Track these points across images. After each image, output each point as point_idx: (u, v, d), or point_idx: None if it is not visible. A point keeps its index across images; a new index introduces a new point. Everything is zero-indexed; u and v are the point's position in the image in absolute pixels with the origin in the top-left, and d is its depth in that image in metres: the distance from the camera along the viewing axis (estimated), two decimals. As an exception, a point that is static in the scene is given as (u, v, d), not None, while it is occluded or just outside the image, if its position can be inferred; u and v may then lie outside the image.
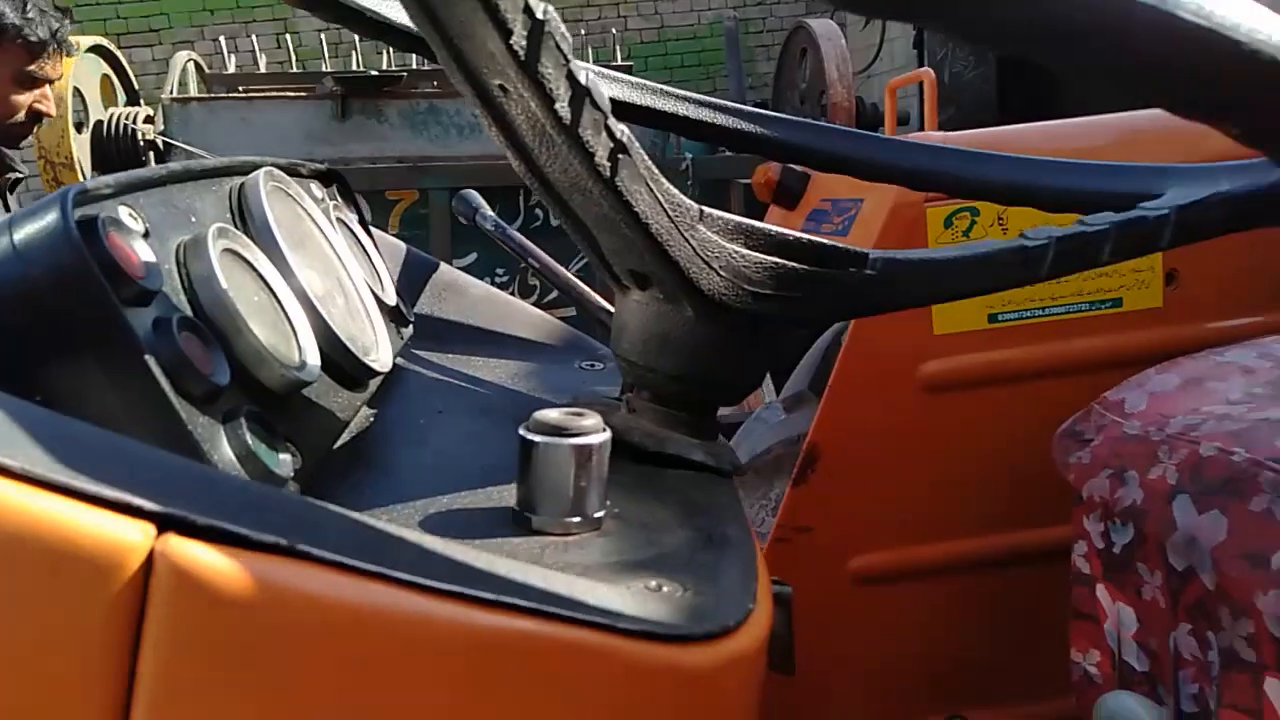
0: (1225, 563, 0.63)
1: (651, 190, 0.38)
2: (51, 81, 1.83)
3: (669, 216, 0.39)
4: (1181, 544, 0.68)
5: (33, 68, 1.75)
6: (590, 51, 5.14)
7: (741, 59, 5.41)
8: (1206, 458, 0.69)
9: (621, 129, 0.35)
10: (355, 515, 0.25)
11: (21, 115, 1.80)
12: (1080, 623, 0.82)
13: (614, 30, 5.62)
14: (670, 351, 0.46)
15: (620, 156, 0.35)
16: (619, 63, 4.29)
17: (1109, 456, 0.79)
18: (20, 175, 1.97)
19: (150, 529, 0.20)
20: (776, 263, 0.43)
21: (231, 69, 4.16)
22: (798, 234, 0.44)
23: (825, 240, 0.45)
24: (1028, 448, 1.01)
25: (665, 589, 0.31)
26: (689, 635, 0.27)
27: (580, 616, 0.25)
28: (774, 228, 0.44)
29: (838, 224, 1.27)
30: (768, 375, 1.22)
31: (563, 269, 0.89)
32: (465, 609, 0.23)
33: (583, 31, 6.07)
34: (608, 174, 0.35)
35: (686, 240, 0.41)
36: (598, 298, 0.91)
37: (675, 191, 0.40)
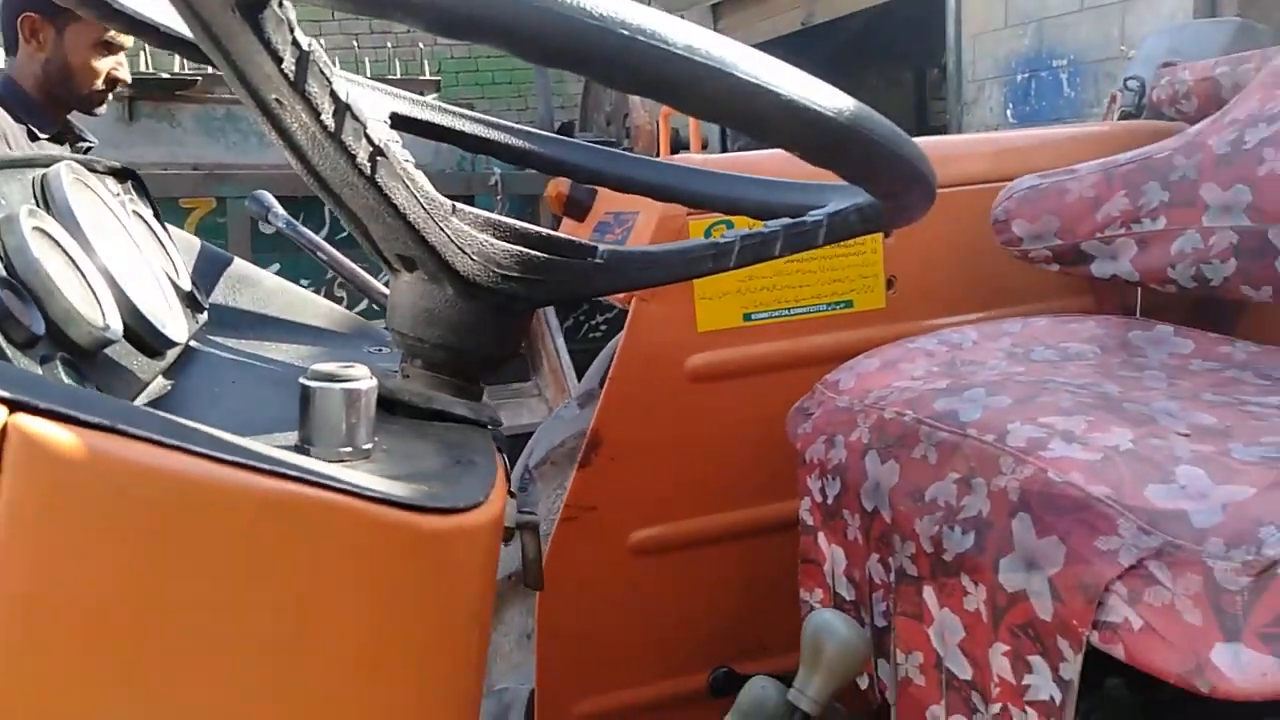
0: (897, 500, 0.80)
1: (408, 186, 0.48)
2: (125, 48, 1.93)
3: (425, 209, 0.49)
4: (870, 489, 0.84)
5: (110, 35, 1.85)
6: (398, 65, 5.12)
7: (551, 80, 5.54)
8: (888, 420, 0.86)
9: (381, 135, 0.45)
10: (163, 414, 0.34)
11: (100, 82, 1.90)
12: (807, 566, 0.98)
13: (421, 45, 5.62)
14: (435, 324, 0.56)
15: (379, 158, 0.45)
16: (427, 77, 4.31)
17: (824, 425, 0.95)
18: (92, 144, 2.02)
19: (3, 409, 0.28)
20: (521, 251, 0.54)
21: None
22: (538, 228, 0.55)
23: (560, 234, 0.56)
24: (778, 429, 1.18)
25: (415, 484, 0.41)
26: (425, 506, 0.37)
27: (341, 485, 0.35)
28: (518, 222, 0.55)
29: (619, 234, 1.40)
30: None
31: (352, 263, 0.96)
32: (249, 475, 0.32)
33: (390, 45, 6.02)
34: (368, 172, 0.45)
35: (441, 229, 0.51)
36: (379, 284, 0.99)
37: (431, 189, 0.50)
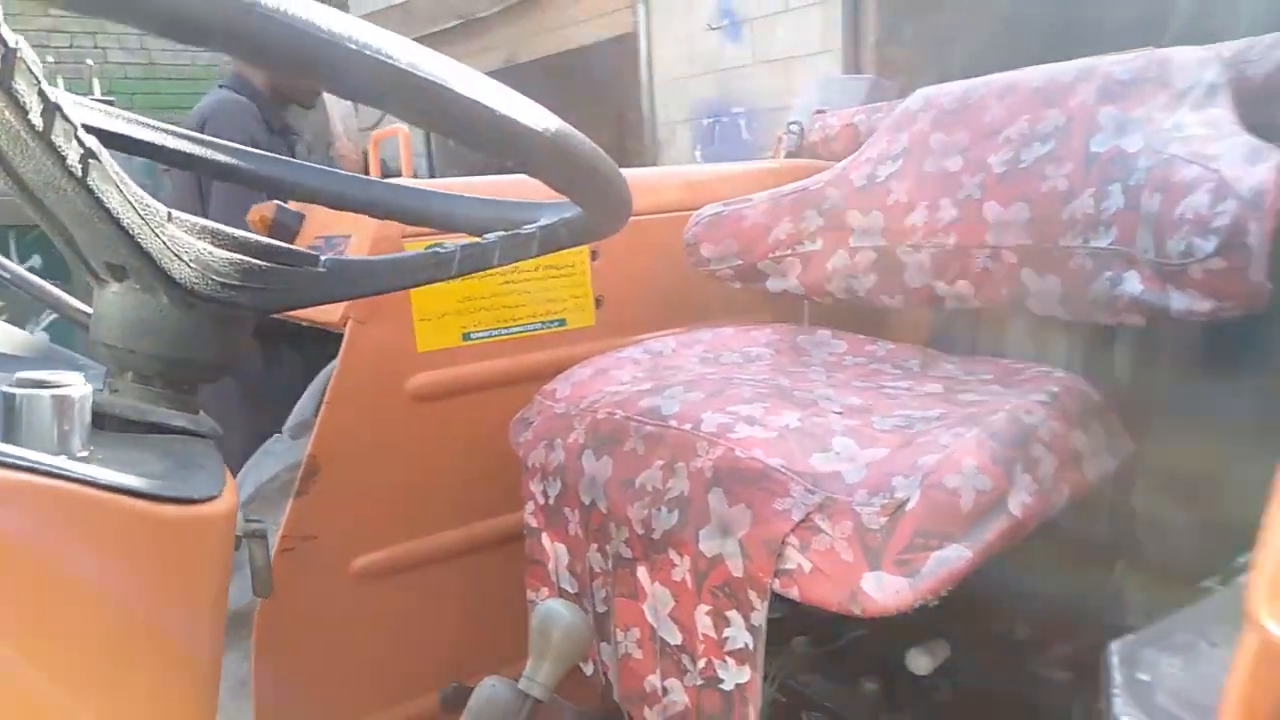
0: (612, 491, 0.88)
1: (122, 191, 0.47)
2: None
3: (139, 214, 0.49)
4: (587, 485, 0.91)
5: None
6: (60, 81, 4.60)
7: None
8: (600, 420, 0.94)
9: (92, 139, 0.45)
10: None
11: None
12: (533, 567, 1.03)
13: (89, 61, 5.09)
14: (149, 334, 0.54)
15: (91, 160, 0.44)
16: (97, 96, 3.92)
17: (544, 431, 1.01)
18: (301, 137, 2.38)
19: None
20: (241, 259, 0.55)
21: None
22: (259, 237, 0.56)
23: (282, 244, 0.58)
24: (501, 443, 1.22)
25: (147, 479, 0.41)
26: (164, 496, 0.38)
27: (76, 476, 0.35)
28: (238, 230, 0.55)
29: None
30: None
31: (35, 277, 0.88)
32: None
33: (51, 59, 5.39)
34: (80, 174, 0.44)
35: (157, 235, 0.50)
36: (75, 301, 0.91)
37: (145, 195, 0.50)
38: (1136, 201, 0.83)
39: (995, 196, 1.02)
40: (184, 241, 0.52)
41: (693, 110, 4.31)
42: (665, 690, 0.82)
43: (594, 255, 1.37)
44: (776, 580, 0.70)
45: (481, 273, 0.88)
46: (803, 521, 0.70)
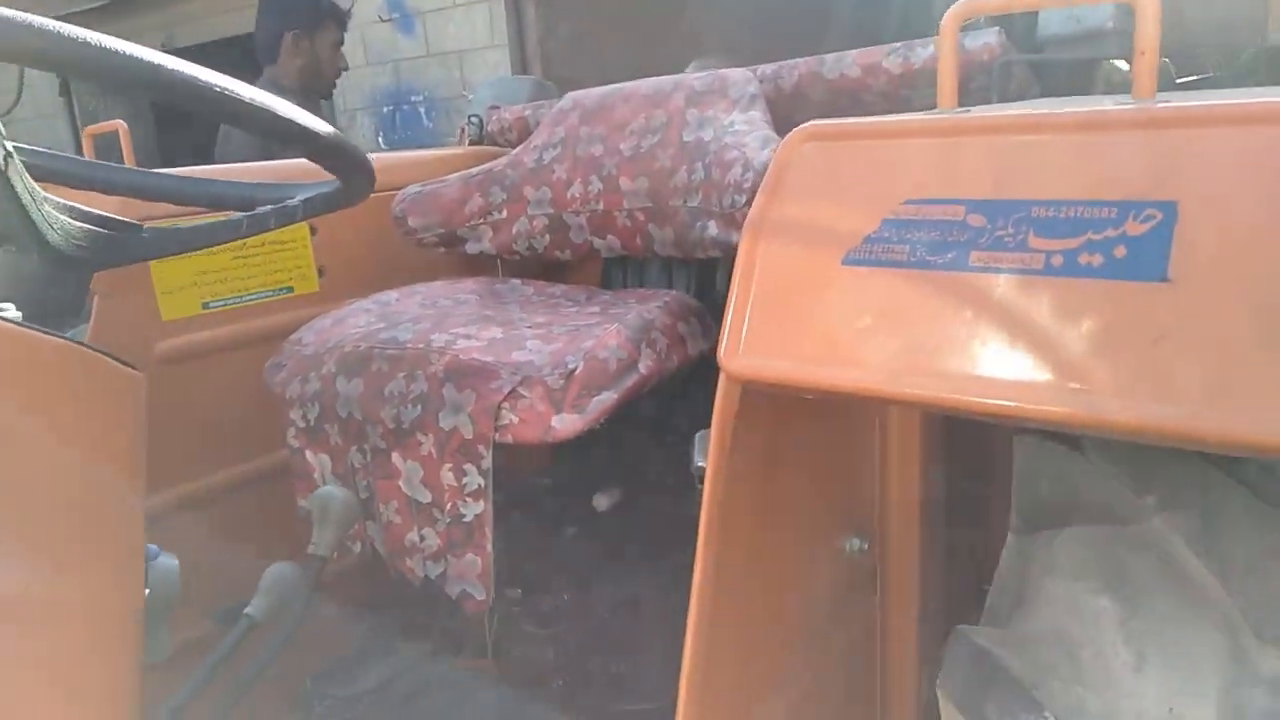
0: (365, 403, 1.16)
1: (22, 179, 0.69)
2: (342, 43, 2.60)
3: (31, 196, 0.70)
4: (343, 402, 1.18)
5: (341, 35, 2.59)
6: None
7: None
8: (348, 352, 1.21)
9: (9, 142, 0.66)
10: None
11: (334, 74, 2.62)
12: (299, 481, 1.28)
13: None
14: (26, 282, 0.76)
15: (9, 159, 0.67)
16: None
17: (296, 370, 1.26)
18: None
19: None
20: (90, 229, 0.77)
21: None
22: (101, 212, 0.79)
23: (116, 215, 0.80)
24: (242, 399, 1.43)
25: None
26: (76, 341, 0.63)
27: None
28: (87, 207, 0.78)
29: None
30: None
31: None
32: None
33: None
34: (2, 168, 0.66)
35: (40, 211, 0.72)
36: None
37: (33, 182, 0.71)
38: (709, 174, 1.26)
39: (626, 173, 1.41)
40: (53, 216, 0.74)
41: (371, 98, 4.46)
42: (422, 537, 1.13)
43: (313, 230, 1.60)
44: (496, 434, 1.03)
45: (216, 248, 1.11)
46: (510, 393, 1.03)
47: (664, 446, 1.37)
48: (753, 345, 0.70)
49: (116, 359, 0.64)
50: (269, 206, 0.93)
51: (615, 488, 1.33)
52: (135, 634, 0.66)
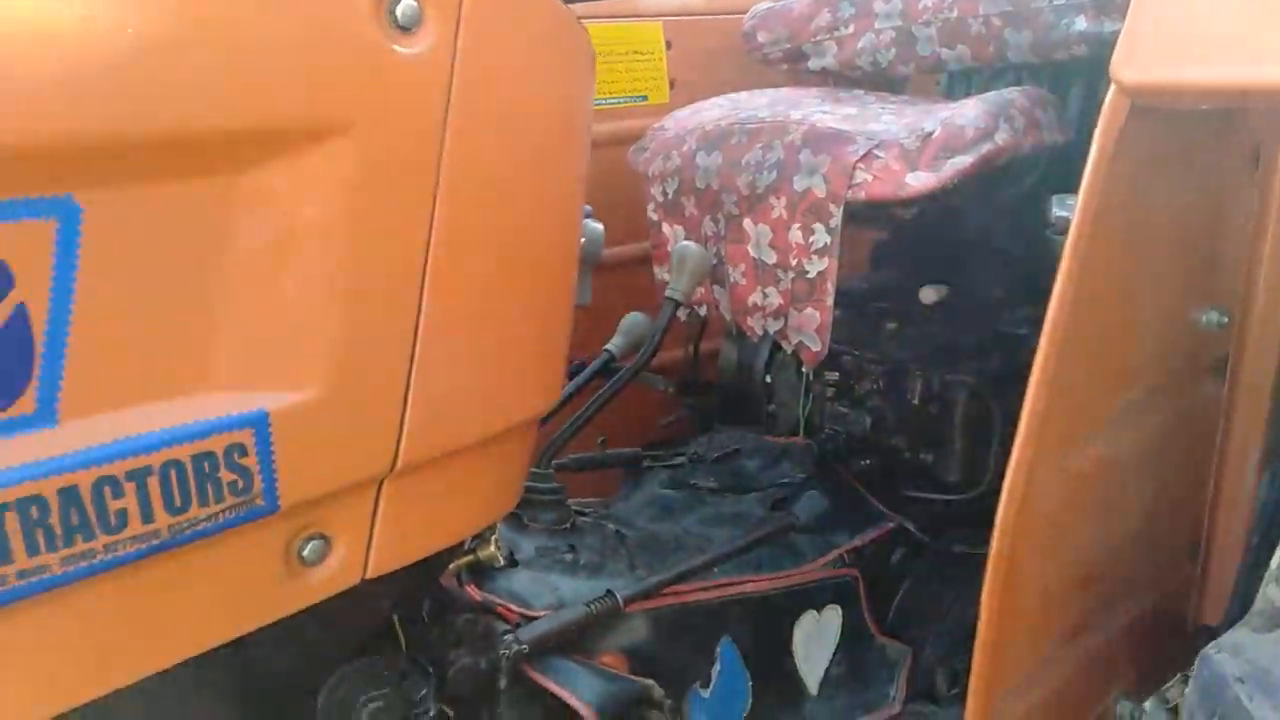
0: (722, 172, 1.28)
1: None
2: None
3: None
4: (701, 174, 1.31)
5: None
6: None
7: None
8: (709, 130, 1.33)
9: None
10: None
11: None
12: (656, 250, 1.44)
13: None
14: None
15: None
16: None
17: (660, 149, 1.41)
18: None
19: None
20: None
21: None
22: None
23: None
24: (590, 195, 1.61)
25: None
26: None
27: None
28: None
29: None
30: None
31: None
32: None
33: None
34: None
35: None
36: None
37: None
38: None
39: (987, -26, 1.40)
40: None
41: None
42: (765, 296, 1.25)
43: (669, 45, 1.74)
44: (849, 192, 1.11)
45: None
46: (866, 154, 1.11)
47: (995, 251, 1.39)
48: (1148, 51, 0.71)
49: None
50: None
51: (943, 284, 1.37)
52: (572, 276, 0.82)
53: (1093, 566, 0.94)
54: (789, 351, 1.24)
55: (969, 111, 1.10)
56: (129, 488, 0.52)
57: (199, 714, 0.67)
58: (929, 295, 1.35)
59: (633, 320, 1.34)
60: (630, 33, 1.73)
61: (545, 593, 1.02)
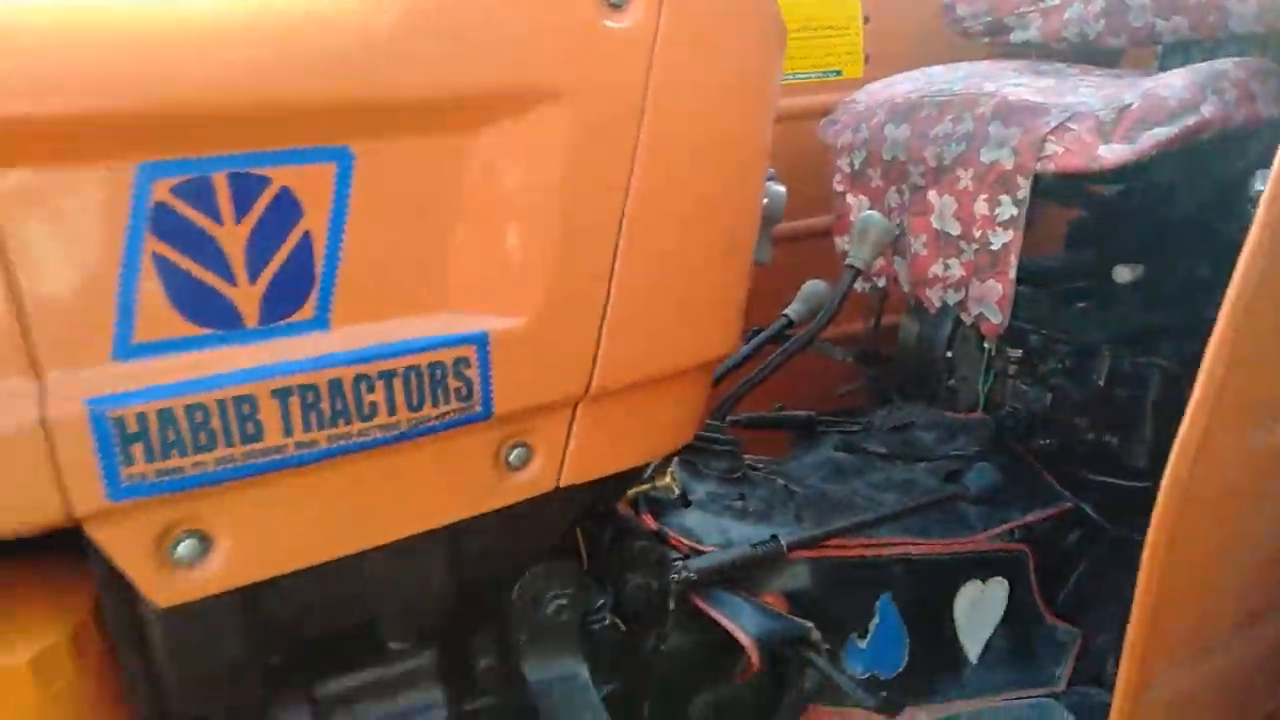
0: (911, 144, 1.30)
1: None
2: None
3: None
4: (889, 145, 1.33)
5: None
6: None
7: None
8: (899, 102, 1.35)
9: None
10: None
11: None
12: (839, 221, 1.48)
13: None
14: None
15: None
16: None
17: (850, 121, 1.44)
18: None
19: None
20: None
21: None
22: None
23: None
24: (791, 167, 1.65)
25: None
26: None
27: None
28: None
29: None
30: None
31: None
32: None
33: None
34: None
35: None
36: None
37: None
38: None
39: (1212, -61, 1.33)
40: None
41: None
42: (946, 267, 1.26)
43: (866, 19, 1.75)
44: (1038, 164, 1.11)
45: None
46: (1058, 125, 1.10)
47: (1200, 231, 1.33)
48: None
49: None
50: None
51: (1138, 265, 1.33)
52: (754, 233, 0.88)
53: (1276, 553, 0.91)
54: (969, 324, 1.25)
55: (1175, 82, 1.07)
56: (379, 385, 0.64)
57: (419, 592, 0.79)
58: (1123, 275, 1.31)
59: (812, 287, 1.38)
60: (827, 7, 1.75)
61: (714, 533, 1.10)
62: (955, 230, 1.24)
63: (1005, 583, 1.25)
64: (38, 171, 0.53)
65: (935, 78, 1.44)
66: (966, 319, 1.25)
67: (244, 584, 0.65)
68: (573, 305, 0.71)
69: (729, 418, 1.31)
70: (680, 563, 1.00)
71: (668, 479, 1.00)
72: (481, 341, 0.67)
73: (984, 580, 1.23)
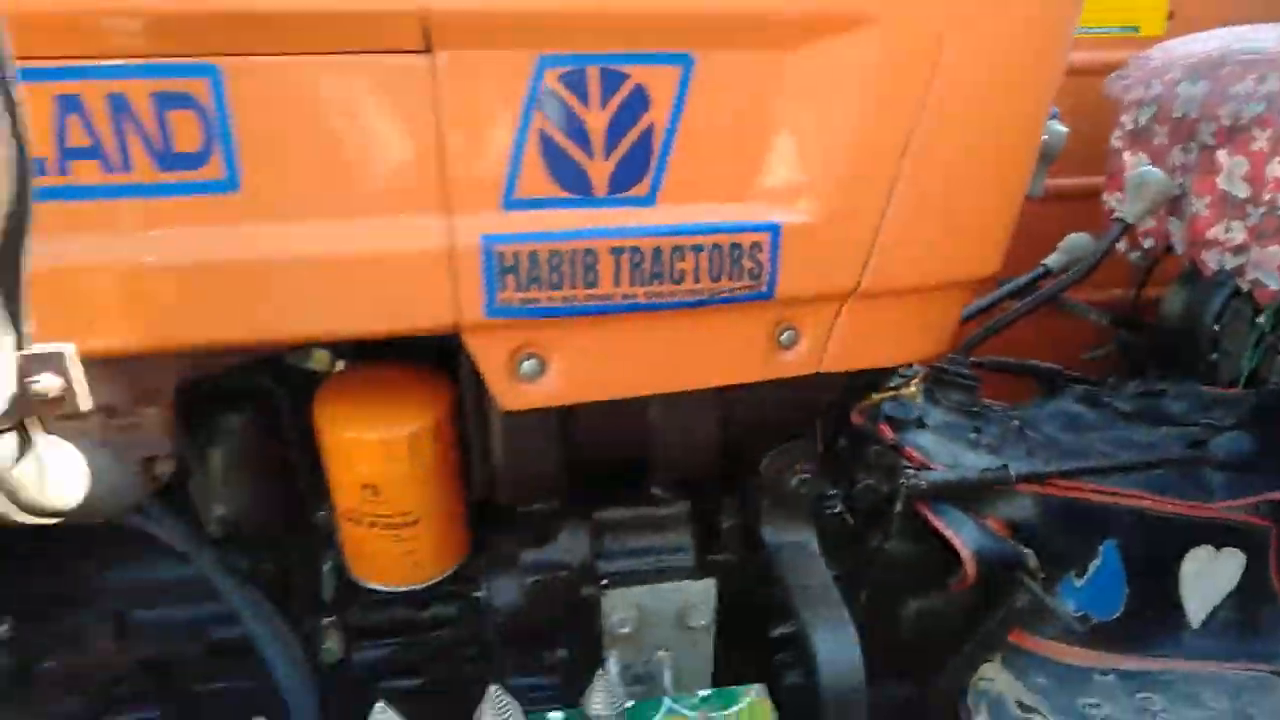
0: (1207, 101, 1.27)
1: None
2: None
3: None
4: (1182, 102, 1.31)
5: None
6: None
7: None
8: (1198, 59, 1.32)
9: None
10: None
11: None
12: (1112, 178, 1.47)
13: None
14: None
15: None
16: None
17: (1141, 77, 1.41)
18: None
19: None
20: None
21: None
22: None
23: None
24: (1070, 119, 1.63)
25: None
26: None
27: None
28: None
29: None
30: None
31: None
32: None
33: None
34: None
35: None
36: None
37: None
38: None
39: None
40: None
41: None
42: (1228, 229, 1.24)
43: (1175, -26, 1.68)
44: (1348, 126, 1.07)
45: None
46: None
47: None
48: None
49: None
50: None
51: None
52: (1030, 166, 0.94)
53: None
54: (1245, 290, 1.23)
55: None
56: (689, 255, 0.77)
57: (685, 443, 0.94)
58: None
59: (1075, 239, 1.39)
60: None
61: (945, 456, 1.17)
62: (1243, 193, 1.21)
63: (1241, 555, 1.23)
64: (475, 53, 0.69)
65: (1243, 36, 1.38)
66: (1243, 285, 1.22)
67: (566, 403, 0.82)
68: (855, 210, 0.81)
69: (972, 358, 1.36)
70: (911, 470, 1.09)
71: (912, 388, 1.09)
72: (775, 231, 0.79)
73: (1217, 548, 1.22)
